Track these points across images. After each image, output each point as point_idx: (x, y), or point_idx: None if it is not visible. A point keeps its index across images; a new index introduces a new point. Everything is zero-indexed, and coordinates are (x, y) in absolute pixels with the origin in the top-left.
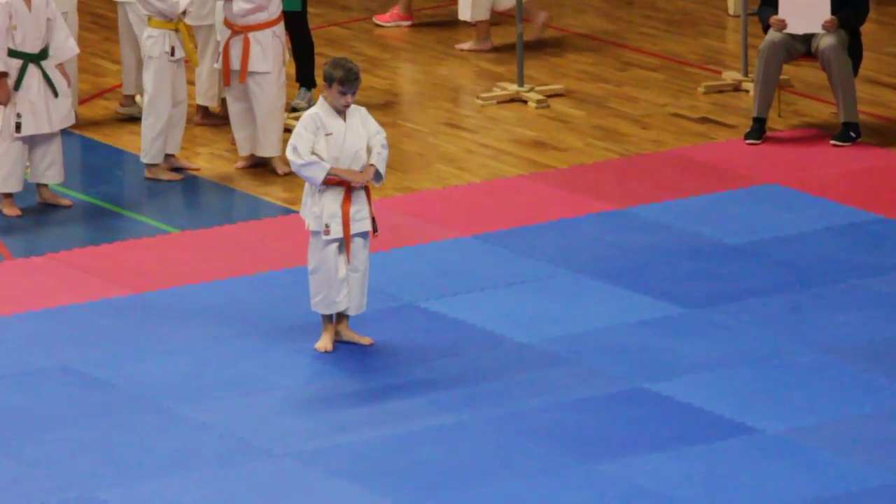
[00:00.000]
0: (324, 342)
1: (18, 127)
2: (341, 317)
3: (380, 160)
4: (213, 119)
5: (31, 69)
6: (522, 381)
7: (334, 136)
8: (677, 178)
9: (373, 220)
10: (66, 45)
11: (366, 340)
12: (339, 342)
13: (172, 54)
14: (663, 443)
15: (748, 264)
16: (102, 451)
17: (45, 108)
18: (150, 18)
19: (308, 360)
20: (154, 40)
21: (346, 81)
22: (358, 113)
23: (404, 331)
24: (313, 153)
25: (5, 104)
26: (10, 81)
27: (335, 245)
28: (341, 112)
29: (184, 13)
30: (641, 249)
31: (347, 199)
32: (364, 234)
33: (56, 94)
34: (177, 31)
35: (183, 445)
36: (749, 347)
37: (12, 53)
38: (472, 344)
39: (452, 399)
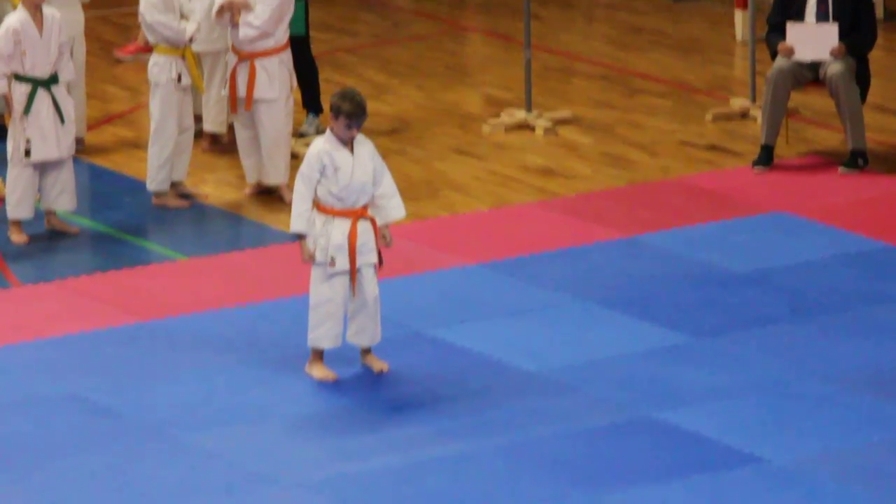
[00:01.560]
0: (323, 372)
1: (28, 152)
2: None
3: (398, 200)
4: (221, 146)
5: (41, 94)
6: (529, 409)
7: (342, 169)
8: (685, 205)
9: (378, 252)
10: (65, 68)
11: (381, 365)
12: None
13: (179, 81)
14: (670, 472)
15: (756, 293)
16: (109, 480)
17: (54, 133)
18: (156, 45)
19: (315, 388)
20: (160, 67)
21: (354, 115)
22: (367, 145)
23: (411, 359)
24: (320, 183)
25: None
26: (19, 107)
27: (341, 278)
28: (347, 143)
29: (190, 40)
30: (649, 277)
31: (354, 231)
32: (371, 266)
33: (63, 121)
34: (183, 57)
35: (190, 474)
36: (757, 376)
37: (21, 78)
38: (479, 372)
39: (459, 428)
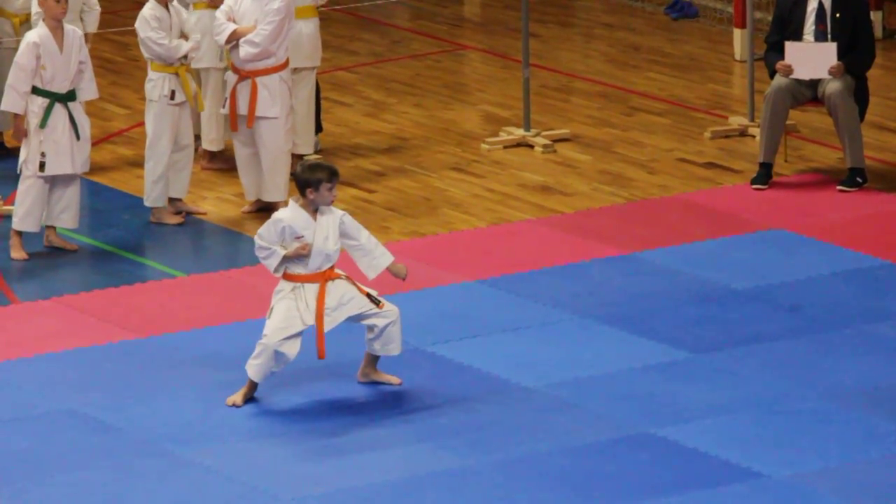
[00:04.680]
0: (237, 396)
1: (42, 166)
2: (371, 358)
3: (381, 247)
4: (219, 163)
5: (58, 109)
6: (528, 425)
7: (305, 238)
8: (684, 222)
9: (368, 295)
10: (88, 87)
11: (394, 380)
12: (367, 383)
13: (172, 98)
14: (669, 488)
15: (754, 309)
16: (107, 495)
17: (69, 149)
18: (151, 62)
19: (314, 404)
20: (154, 84)
21: (334, 175)
22: (329, 213)
23: (410, 375)
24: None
25: (19, 141)
26: (35, 120)
27: (296, 338)
28: (313, 213)
29: (185, 58)
30: (648, 294)
31: (321, 295)
32: (370, 309)
33: (79, 137)
34: (177, 74)
35: (188, 490)
36: (755, 392)
37: (39, 92)
38: (478, 389)
39: (458, 444)
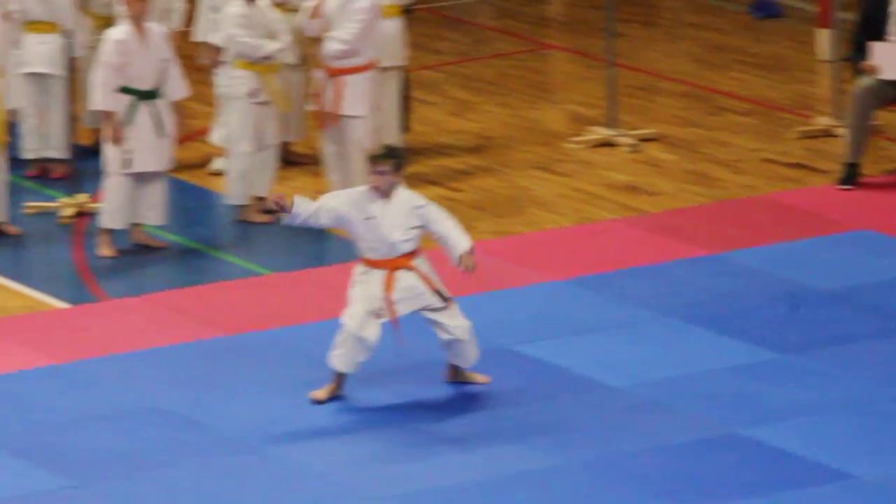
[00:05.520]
0: (321, 392)
1: (127, 163)
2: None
3: (457, 236)
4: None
5: (143, 106)
6: (614, 425)
7: (375, 220)
8: (770, 223)
9: (436, 292)
10: (177, 87)
11: (482, 378)
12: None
13: (254, 96)
14: (756, 489)
15: (841, 310)
16: (195, 493)
17: (153, 146)
18: (235, 60)
19: (401, 402)
20: (237, 81)
21: (371, 161)
22: (404, 202)
23: (497, 374)
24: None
25: (116, 143)
26: (120, 118)
27: (377, 322)
28: (382, 198)
29: (268, 57)
30: (734, 294)
31: (389, 286)
32: (435, 310)
33: (162, 134)
34: (260, 73)
35: (275, 488)
36: (843, 393)
37: (123, 89)
38: (564, 388)
39: (545, 443)
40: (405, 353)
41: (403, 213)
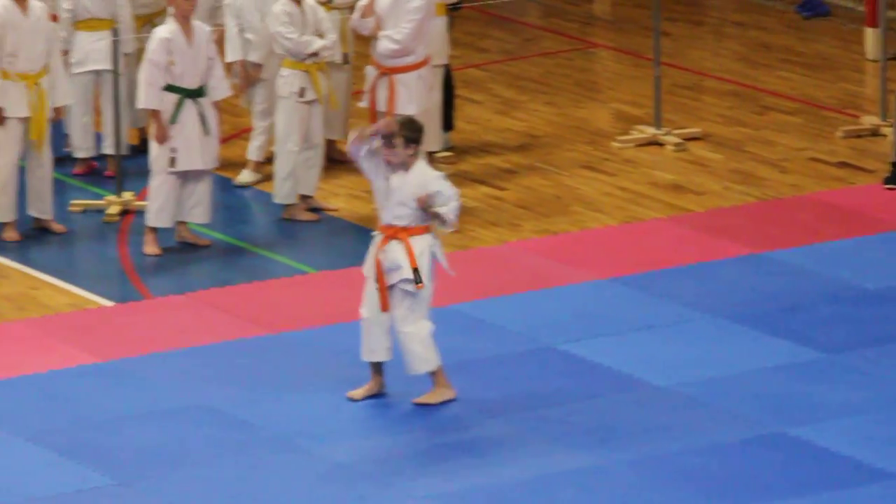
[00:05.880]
0: (359, 391)
1: (173, 162)
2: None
3: (446, 207)
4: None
5: (188, 105)
6: (659, 424)
7: (391, 187)
8: (816, 222)
9: (414, 270)
10: (220, 86)
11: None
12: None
13: (302, 95)
14: (802, 488)
15: (888, 309)
16: (240, 491)
17: (199, 144)
18: (283, 59)
19: (445, 401)
20: (284, 80)
21: (382, 136)
22: (410, 175)
23: (541, 373)
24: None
25: (161, 142)
26: (166, 116)
27: (371, 292)
28: (399, 168)
29: (315, 54)
30: (779, 294)
31: (381, 248)
32: (402, 288)
33: (208, 133)
34: (307, 72)
35: (318, 486)
36: (889, 393)
37: (170, 88)
38: (608, 387)
39: (590, 441)
40: (448, 351)
41: (414, 188)
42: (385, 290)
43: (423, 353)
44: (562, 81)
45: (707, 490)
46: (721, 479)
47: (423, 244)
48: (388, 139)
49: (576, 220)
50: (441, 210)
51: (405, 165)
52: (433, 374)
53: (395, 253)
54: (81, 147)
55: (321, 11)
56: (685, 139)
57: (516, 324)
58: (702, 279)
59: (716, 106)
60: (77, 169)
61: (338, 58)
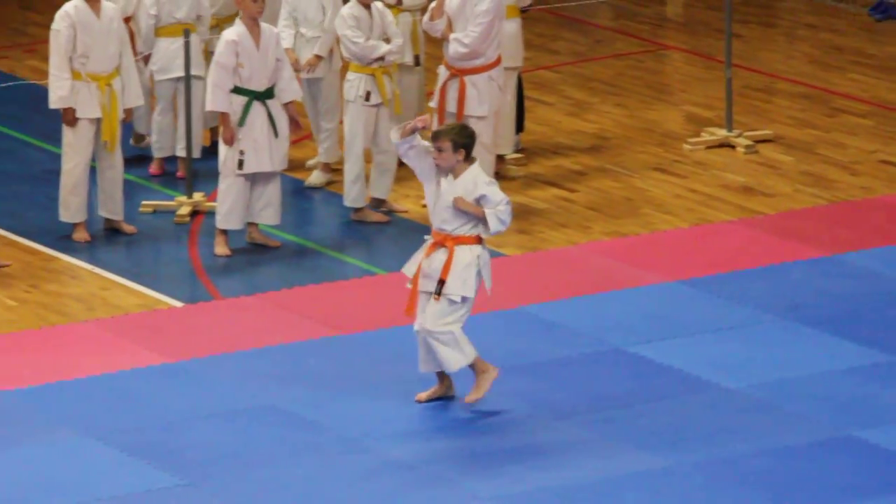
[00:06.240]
0: (425, 393)
1: (241, 164)
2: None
3: (492, 214)
4: None
5: (256, 107)
6: (729, 426)
7: (441, 187)
8: (887, 224)
9: (441, 282)
10: (289, 87)
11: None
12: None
13: (367, 99)
14: (871, 491)
15: None
16: (309, 492)
17: (267, 146)
18: (350, 62)
19: (513, 402)
20: (350, 84)
21: (433, 137)
22: (458, 183)
23: (610, 375)
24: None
25: (229, 143)
26: (234, 118)
27: (422, 297)
28: (447, 172)
29: (381, 58)
30: (850, 296)
31: (427, 254)
32: (428, 294)
33: (277, 135)
34: (373, 76)
35: (386, 488)
36: None
37: (238, 90)
38: (678, 389)
39: (658, 443)
40: (517, 353)
41: (461, 193)
42: (416, 294)
43: (454, 353)
44: (633, 83)
45: (775, 493)
46: (789, 481)
47: (470, 256)
48: (436, 142)
49: (646, 223)
50: (485, 212)
51: (454, 171)
52: (472, 366)
53: (437, 263)
54: (161, 146)
55: (389, 15)
56: (756, 141)
57: (585, 326)
58: (771, 281)
59: (787, 108)
60: (153, 168)
61: (408, 60)
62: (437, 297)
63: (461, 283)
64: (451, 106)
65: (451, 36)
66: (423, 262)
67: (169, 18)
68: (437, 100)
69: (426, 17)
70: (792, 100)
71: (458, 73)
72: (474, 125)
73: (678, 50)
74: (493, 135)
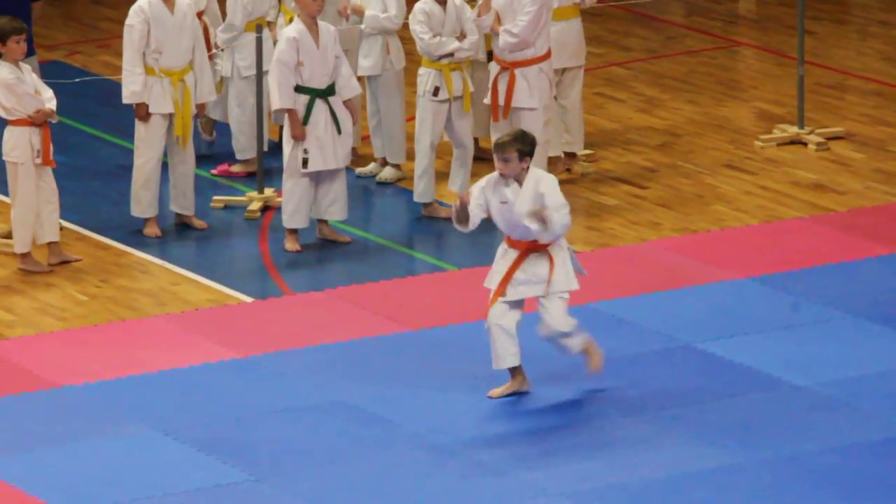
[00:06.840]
0: (498, 390)
1: (305, 163)
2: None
3: (553, 217)
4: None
5: (319, 105)
6: (798, 424)
7: (507, 204)
8: None
9: (552, 282)
10: (349, 84)
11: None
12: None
13: (436, 94)
14: None
15: None
16: (375, 488)
17: (331, 144)
18: (422, 57)
19: (580, 398)
20: (421, 79)
21: (497, 147)
22: (536, 184)
23: (680, 371)
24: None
25: (300, 139)
26: (299, 115)
27: (503, 301)
28: (513, 181)
29: (450, 55)
30: None
31: (516, 266)
32: (547, 298)
33: (340, 132)
34: (441, 71)
35: (456, 484)
36: None
37: (299, 89)
38: (747, 386)
39: (727, 441)
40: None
41: (531, 199)
42: (501, 293)
43: (577, 339)
44: (704, 80)
45: (845, 490)
46: (860, 479)
47: (563, 252)
48: (501, 153)
49: (716, 219)
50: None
51: (518, 179)
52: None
53: (538, 267)
54: (246, 148)
55: (468, 11)
56: (828, 138)
57: (655, 322)
58: (842, 279)
59: (859, 105)
60: (237, 169)
61: (482, 56)
62: (547, 293)
63: (567, 279)
64: (502, 99)
65: (501, 28)
66: (517, 273)
67: (258, 12)
68: (489, 96)
69: (474, 13)
70: (864, 97)
71: (508, 66)
72: (524, 117)
73: (750, 46)
74: (543, 128)
